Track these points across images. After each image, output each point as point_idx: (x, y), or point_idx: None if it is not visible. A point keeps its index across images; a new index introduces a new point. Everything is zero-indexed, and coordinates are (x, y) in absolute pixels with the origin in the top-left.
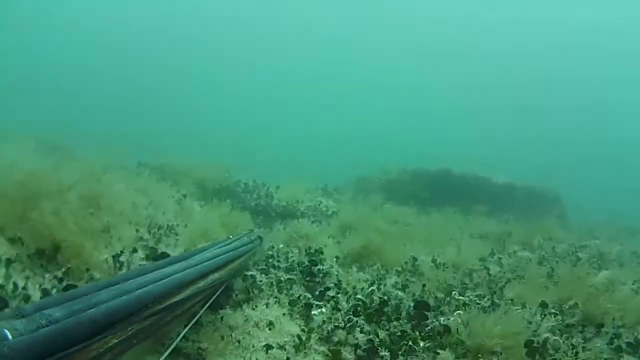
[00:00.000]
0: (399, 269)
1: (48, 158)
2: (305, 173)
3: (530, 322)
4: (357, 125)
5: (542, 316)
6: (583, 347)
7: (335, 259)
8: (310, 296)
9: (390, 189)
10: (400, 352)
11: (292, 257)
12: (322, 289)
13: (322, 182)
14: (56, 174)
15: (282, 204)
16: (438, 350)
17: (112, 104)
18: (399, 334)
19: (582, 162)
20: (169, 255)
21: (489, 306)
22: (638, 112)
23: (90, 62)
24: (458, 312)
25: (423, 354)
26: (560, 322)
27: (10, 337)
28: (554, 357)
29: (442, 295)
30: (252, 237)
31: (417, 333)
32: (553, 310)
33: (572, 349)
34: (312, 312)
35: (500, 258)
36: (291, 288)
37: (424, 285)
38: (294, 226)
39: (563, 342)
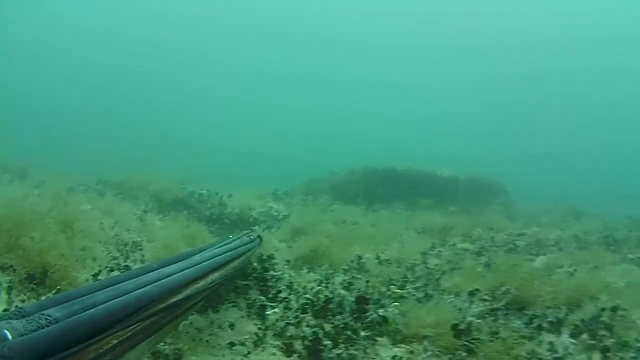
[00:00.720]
0: (346, 267)
1: (17, 185)
2: (257, 179)
3: (460, 309)
4: (309, 125)
5: (471, 303)
6: (504, 327)
7: (287, 263)
8: (264, 299)
9: (338, 189)
10: (341, 341)
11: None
12: (275, 292)
13: (273, 187)
14: (29, 201)
15: (236, 211)
16: (377, 338)
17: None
18: (342, 326)
19: (530, 154)
20: None
21: (423, 297)
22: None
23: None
24: (395, 303)
25: (363, 342)
26: (488, 306)
27: (10, 337)
28: (474, 337)
29: (385, 290)
30: (252, 237)
31: (358, 324)
32: (485, 297)
33: (491, 329)
34: (267, 313)
35: (440, 251)
36: (247, 293)
37: (367, 281)
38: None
39: (486, 324)
